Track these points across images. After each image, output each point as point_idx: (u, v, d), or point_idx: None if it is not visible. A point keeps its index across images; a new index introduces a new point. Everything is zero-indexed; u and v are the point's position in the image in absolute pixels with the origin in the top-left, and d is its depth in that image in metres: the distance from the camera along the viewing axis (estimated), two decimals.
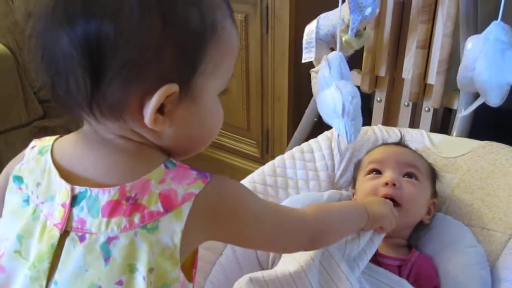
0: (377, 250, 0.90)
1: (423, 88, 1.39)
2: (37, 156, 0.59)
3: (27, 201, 0.58)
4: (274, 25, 1.49)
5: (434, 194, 0.98)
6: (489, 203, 0.94)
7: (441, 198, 1.00)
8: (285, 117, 1.61)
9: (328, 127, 1.17)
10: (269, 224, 0.63)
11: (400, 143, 1.05)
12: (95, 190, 0.53)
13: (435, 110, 1.40)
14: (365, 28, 1.01)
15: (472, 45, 0.89)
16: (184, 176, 0.55)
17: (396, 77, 1.44)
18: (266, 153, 1.72)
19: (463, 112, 1.00)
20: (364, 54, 1.44)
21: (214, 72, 0.55)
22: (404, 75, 1.39)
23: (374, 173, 0.95)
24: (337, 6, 0.99)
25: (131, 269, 0.53)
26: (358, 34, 0.96)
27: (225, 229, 0.59)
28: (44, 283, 0.54)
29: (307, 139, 1.38)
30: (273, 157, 1.69)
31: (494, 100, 0.89)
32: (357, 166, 1.03)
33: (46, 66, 0.52)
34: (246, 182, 1.06)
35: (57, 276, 0.54)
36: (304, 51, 1.04)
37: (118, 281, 0.53)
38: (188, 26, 0.51)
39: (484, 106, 0.95)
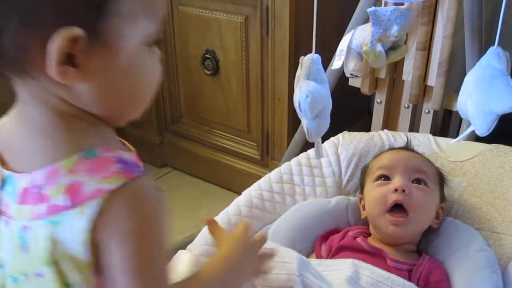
0: (387, 255, 0.91)
1: (423, 90, 1.40)
2: None
3: None
4: (274, 27, 1.49)
5: (442, 198, 0.98)
6: (499, 206, 0.95)
7: (450, 202, 1.00)
8: (285, 119, 1.61)
9: (329, 130, 1.17)
10: (158, 267, 0.52)
11: (408, 148, 1.05)
12: (15, 175, 0.52)
13: (435, 112, 1.40)
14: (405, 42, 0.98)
15: (471, 70, 0.87)
16: (102, 168, 0.49)
17: (396, 79, 1.44)
18: (266, 155, 1.72)
19: (455, 139, 0.97)
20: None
21: (132, 14, 0.49)
22: (404, 77, 1.40)
23: (382, 179, 0.95)
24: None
25: (46, 261, 0.50)
26: (394, 47, 0.95)
27: (120, 228, 0.50)
28: None
29: (307, 141, 1.38)
30: (273, 159, 1.71)
31: (481, 129, 0.84)
32: (364, 171, 1.03)
33: None
34: (252, 189, 1.05)
35: (2, 257, 0.54)
36: (336, 58, 1.04)
37: (38, 272, 0.51)
38: None
39: None
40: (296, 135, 1.44)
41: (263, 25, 1.51)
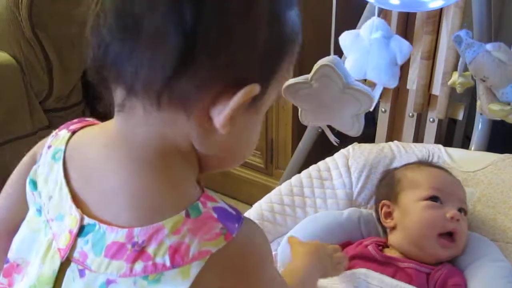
0: (403, 260, 0.91)
1: (428, 99, 1.41)
2: (50, 161, 0.55)
3: (39, 211, 0.55)
4: None
5: None
6: None
7: None
8: (289, 128, 1.60)
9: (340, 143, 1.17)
10: None
11: (442, 167, 1.04)
12: (103, 226, 0.49)
13: (439, 121, 1.41)
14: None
15: None
16: (205, 229, 0.48)
17: (400, 88, 1.44)
18: (270, 163, 1.71)
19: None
20: None
21: (278, 84, 0.52)
22: (408, 86, 1.40)
23: (436, 201, 0.93)
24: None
25: None
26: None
27: (236, 285, 0.53)
28: None
29: (311, 150, 1.38)
30: (277, 168, 1.70)
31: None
32: (394, 179, 1.00)
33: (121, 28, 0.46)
34: (262, 202, 1.05)
35: None
36: None
37: None
38: (283, 29, 0.49)
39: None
40: (300, 144, 1.43)
41: None
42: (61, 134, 0.56)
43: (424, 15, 1.32)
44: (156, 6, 0.45)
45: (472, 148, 1.20)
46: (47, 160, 0.55)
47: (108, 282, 0.49)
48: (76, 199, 0.52)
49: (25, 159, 0.61)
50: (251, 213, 1.02)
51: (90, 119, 0.58)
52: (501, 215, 0.96)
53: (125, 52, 0.46)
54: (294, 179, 1.09)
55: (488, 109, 0.89)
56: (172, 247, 0.47)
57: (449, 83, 1.00)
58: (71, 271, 0.51)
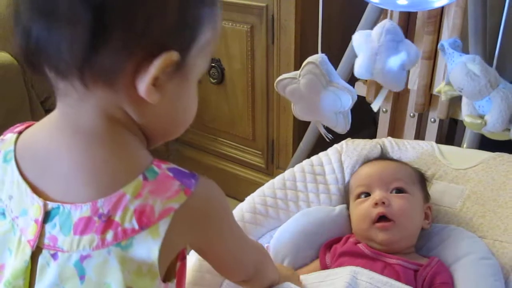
0: (391, 256, 0.91)
1: (429, 99, 1.40)
2: (3, 164, 0.56)
3: (3, 214, 0.56)
4: (280, 35, 1.50)
5: (427, 198, 0.99)
6: (501, 215, 0.94)
7: (452, 210, 1.00)
8: (290, 128, 1.61)
9: (334, 138, 1.17)
10: (237, 244, 0.65)
11: (383, 157, 1.06)
12: (67, 206, 0.51)
13: (440, 121, 1.40)
14: None
15: None
16: (164, 188, 0.51)
17: None
18: (271, 164, 1.72)
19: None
20: None
21: (205, 49, 0.54)
22: (409, 86, 1.40)
23: (363, 196, 0.97)
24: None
25: (119, 285, 0.51)
26: None
27: (202, 238, 0.58)
28: None
29: (312, 150, 1.38)
30: (278, 168, 1.71)
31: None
32: (347, 189, 1.04)
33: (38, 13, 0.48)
34: (255, 195, 1.05)
35: None
36: None
37: None
38: None
39: None
40: (301, 144, 1.44)
41: (269, 34, 1.52)
42: (7, 138, 0.58)
43: (425, 15, 1.32)
44: None
45: (464, 146, 1.19)
46: None
47: (82, 258, 0.50)
48: (36, 190, 0.53)
49: None
50: (243, 206, 1.03)
51: (34, 122, 0.60)
52: (490, 212, 0.95)
53: (45, 34, 0.48)
54: (287, 173, 1.09)
55: (463, 121, 0.89)
56: (137, 210, 0.50)
57: (435, 90, 1.01)
58: (43, 257, 0.52)
